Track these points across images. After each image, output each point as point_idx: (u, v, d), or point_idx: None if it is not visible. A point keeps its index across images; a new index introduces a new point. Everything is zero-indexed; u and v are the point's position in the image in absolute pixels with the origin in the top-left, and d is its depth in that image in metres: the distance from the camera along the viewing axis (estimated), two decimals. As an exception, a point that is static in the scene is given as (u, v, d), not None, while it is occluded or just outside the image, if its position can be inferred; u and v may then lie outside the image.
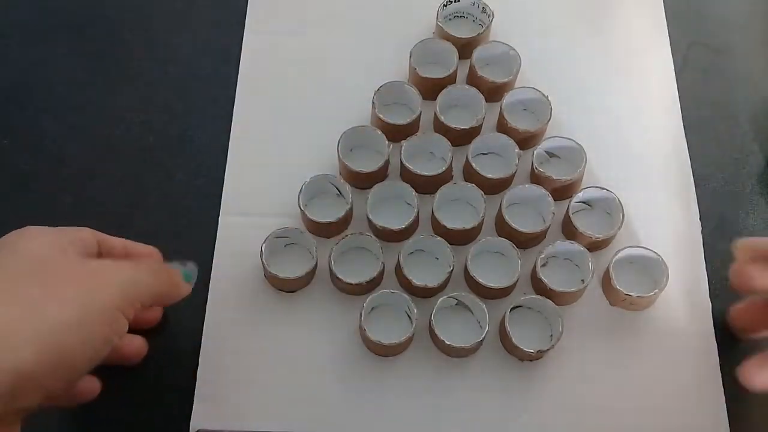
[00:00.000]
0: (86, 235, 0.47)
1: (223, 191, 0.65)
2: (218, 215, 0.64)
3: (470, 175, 0.65)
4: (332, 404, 0.58)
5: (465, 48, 0.70)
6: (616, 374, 0.60)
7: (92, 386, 0.51)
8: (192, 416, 0.57)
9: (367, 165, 0.64)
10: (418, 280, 0.60)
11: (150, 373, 0.57)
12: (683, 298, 0.63)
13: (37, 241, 0.43)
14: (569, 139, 0.66)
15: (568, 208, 0.63)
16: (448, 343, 0.57)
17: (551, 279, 0.60)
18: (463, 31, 0.71)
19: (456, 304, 0.61)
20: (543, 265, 0.61)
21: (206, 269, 0.62)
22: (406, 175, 0.65)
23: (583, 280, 0.62)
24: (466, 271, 0.61)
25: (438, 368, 0.60)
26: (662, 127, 0.70)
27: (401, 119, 0.66)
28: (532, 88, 0.68)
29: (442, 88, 0.67)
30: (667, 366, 0.60)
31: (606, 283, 0.62)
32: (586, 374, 0.60)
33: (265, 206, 0.65)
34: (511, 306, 0.59)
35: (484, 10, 0.71)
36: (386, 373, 0.60)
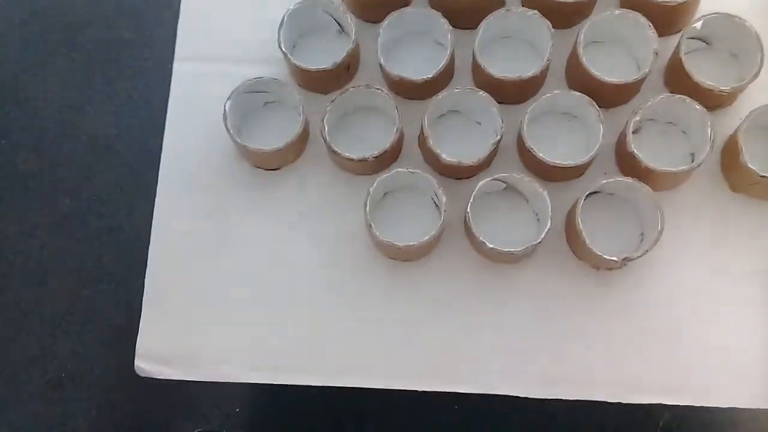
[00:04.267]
0: None
1: (178, 28, 0.46)
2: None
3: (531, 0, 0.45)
4: (327, 332, 0.42)
5: None
6: (733, 288, 0.42)
7: None
8: (138, 340, 0.42)
9: (378, -15, 0.44)
10: (449, 155, 0.41)
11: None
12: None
13: None
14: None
15: (678, 46, 0.43)
16: (490, 246, 0.39)
17: (647, 152, 0.41)
18: None
19: (504, 189, 0.42)
20: (635, 131, 0.42)
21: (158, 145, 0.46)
22: (436, 0, 0.45)
23: (693, 155, 0.42)
24: (520, 140, 0.42)
25: (476, 276, 0.43)
26: None
27: None
28: None
29: None
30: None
31: (729, 158, 0.42)
32: (688, 288, 0.42)
33: (234, 48, 0.46)
34: (586, 192, 0.40)
35: None
36: (403, 283, 0.43)
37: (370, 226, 0.40)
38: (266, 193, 0.44)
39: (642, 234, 0.42)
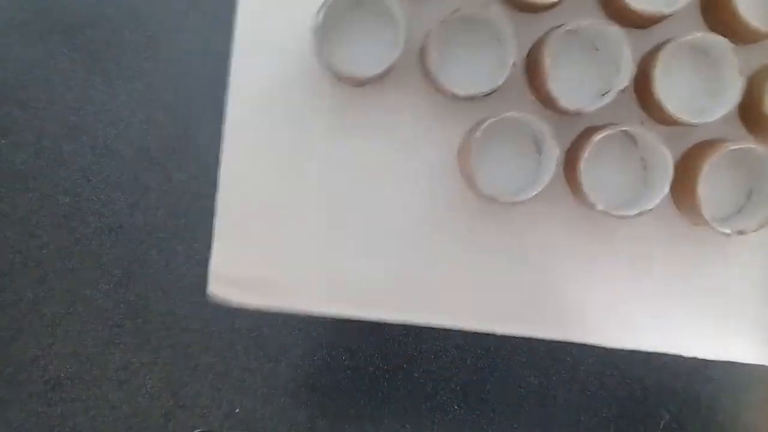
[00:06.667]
0: None
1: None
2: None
3: None
4: (409, 269, 0.40)
5: None
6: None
7: None
8: (211, 263, 0.39)
9: None
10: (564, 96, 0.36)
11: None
12: None
13: None
14: None
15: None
16: (601, 208, 0.36)
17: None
18: None
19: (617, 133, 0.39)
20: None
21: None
22: None
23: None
24: (644, 77, 0.38)
25: (573, 224, 0.40)
26: None
27: None
28: None
29: None
30: None
31: None
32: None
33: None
34: (708, 161, 0.37)
35: None
36: (494, 223, 0.40)
37: (473, 177, 0.36)
38: (350, 109, 0.39)
39: (750, 190, 0.40)
